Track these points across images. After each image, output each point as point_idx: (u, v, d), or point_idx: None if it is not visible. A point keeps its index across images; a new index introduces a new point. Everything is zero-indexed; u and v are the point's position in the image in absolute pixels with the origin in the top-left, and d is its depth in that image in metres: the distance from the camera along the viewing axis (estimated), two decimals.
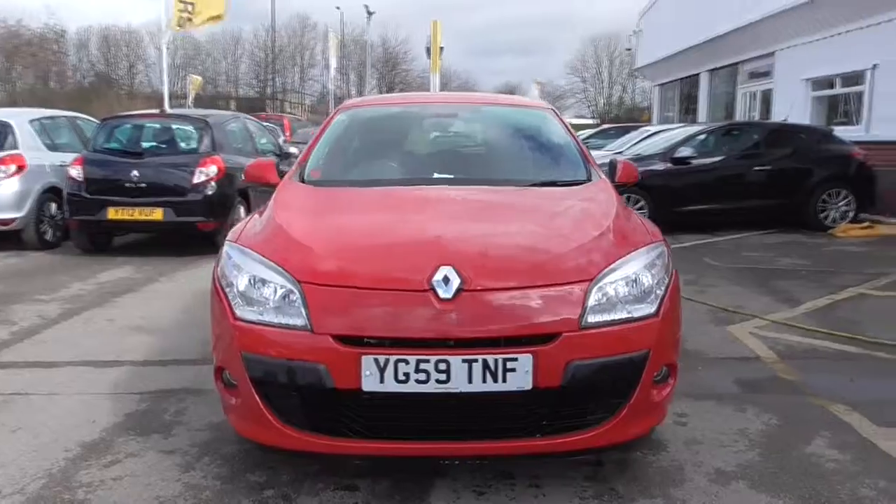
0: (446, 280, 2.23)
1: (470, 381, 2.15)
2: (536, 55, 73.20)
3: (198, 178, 7.14)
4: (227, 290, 2.43)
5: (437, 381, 2.15)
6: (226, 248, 2.62)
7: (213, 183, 7.17)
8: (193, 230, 7.18)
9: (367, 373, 2.16)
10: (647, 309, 2.35)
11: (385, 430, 2.25)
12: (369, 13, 33.14)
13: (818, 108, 12.34)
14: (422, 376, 2.15)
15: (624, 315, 2.30)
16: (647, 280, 2.40)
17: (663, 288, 2.43)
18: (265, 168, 3.52)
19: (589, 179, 3.24)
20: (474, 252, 2.38)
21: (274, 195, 3.09)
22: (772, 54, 13.85)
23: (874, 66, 10.28)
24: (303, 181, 3.26)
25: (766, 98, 14.03)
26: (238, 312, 2.35)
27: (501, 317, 2.22)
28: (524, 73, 69.28)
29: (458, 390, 2.15)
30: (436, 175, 3.35)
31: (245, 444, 2.69)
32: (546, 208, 2.92)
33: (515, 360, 2.16)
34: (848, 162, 9.04)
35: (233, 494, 2.42)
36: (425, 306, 2.21)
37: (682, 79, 20.09)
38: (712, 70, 17.72)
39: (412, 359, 2.15)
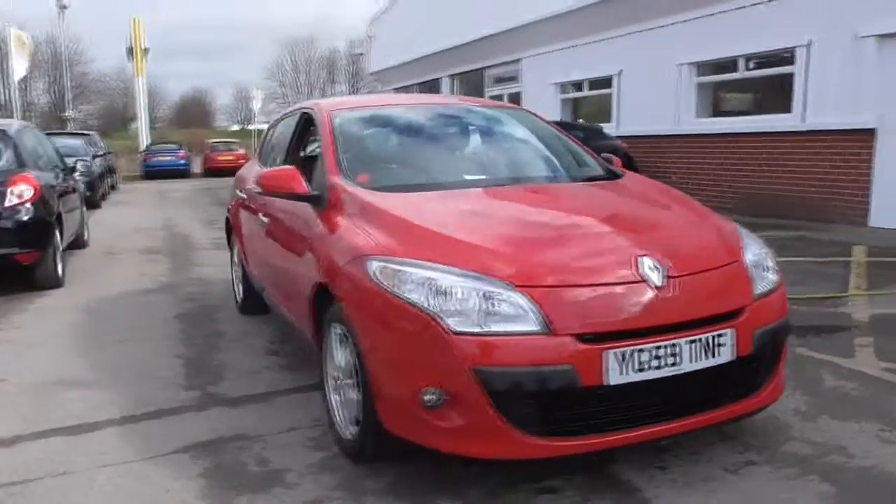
0: (653, 269, 2.36)
1: (692, 361, 2.31)
2: (225, 60, 71.45)
3: (8, 201, 5.86)
4: (424, 306, 2.24)
5: (670, 365, 2.27)
6: (384, 264, 2.39)
7: (28, 206, 5.94)
8: (8, 264, 5.88)
9: (611, 367, 2.20)
10: (774, 279, 2.71)
11: (619, 421, 2.30)
12: (62, 7, 28.96)
13: (566, 109, 14.16)
14: (657, 362, 2.25)
15: (766, 286, 2.63)
16: (763, 254, 2.77)
17: (771, 260, 2.82)
18: (289, 178, 3.17)
19: (610, 173, 3.53)
20: (659, 241, 2.53)
21: (362, 201, 2.85)
22: (518, 61, 15.50)
23: (620, 72, 12.15)
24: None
25: (516, 100, 15.62)
26: (455, 327, 2.19)
27: (706, 297, 2.41)
28: (211, 77, 67.13)
29: (684, 370, 2.30)
30: (482, 176, 3.36)
31: (386, 469, 2.52)
32: (647, 199, 3.16)
33: (723, 335, 2.36)
34: (617, 152, 10.60)
35: None
36: (645, 295, 2.30)
37: (422, 83, 21.32)
38: (454, 75, 19.15)
39: (648, 347, 2.24)
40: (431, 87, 20.62)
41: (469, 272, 2.29)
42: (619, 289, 2.30)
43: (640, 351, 2.23)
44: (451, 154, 3.65)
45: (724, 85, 10.44)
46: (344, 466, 2.64)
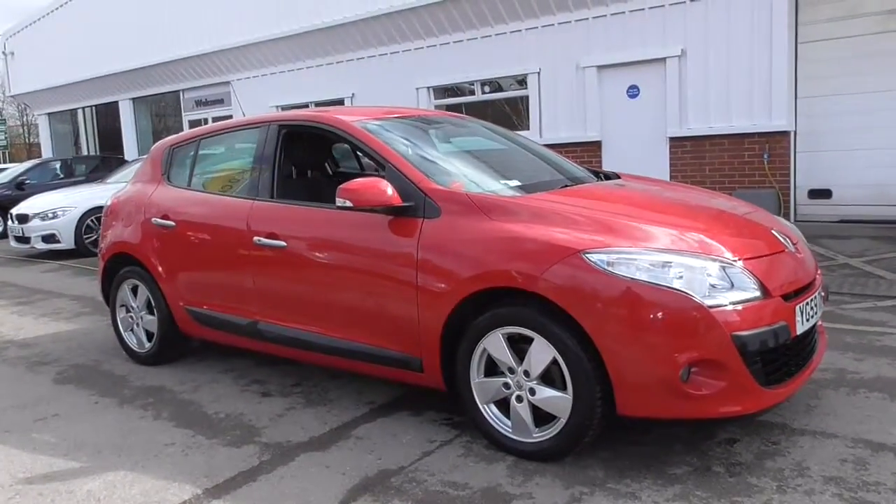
0: (785, 239, 2.94)
1: (816, 314, 2.94)
2: None
3: None
4: (677, 288, 2.45)
5: (812, 317, 2.86)
6: (613, 255, 2.53)
7: None
8: None
9: (798, 320, 2.69)
10: None
11: (798, 366, 2.78)
12: None
13: None
14: (811, 313, 2.83)
15: None
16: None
17: None
18: (383, 189, 2.99)
19: (599, 175, 4.02)
20: (767, 221, 3.09)
21: (508, 203, 2.88)
22: (227, 83, 14.86)
23: (353, 95, 12.59)
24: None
25: None
26: (709, 301, 2.45)
27: (810, 263, 3.04)
28: None
29: (813, 322, 2.90)
30: (542, 179, 3.55)
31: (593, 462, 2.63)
32: (680, 190, 3.71)
33: (817, 296, 3.02)
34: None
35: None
36: (793, 260, 2.87)
37: (93, 106, 18.90)
38: (138, 98, 17.44)
39: (808, 301, 2.81)
40: (108, 110, 18.44)
41: (697, 252, 2.58)
42: (782, 256, 2.82)
43: (807, 304, 2.78)
44: (495, 160, 3.75)
45: (467, 106, 11.58)
46: None
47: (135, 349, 4.45)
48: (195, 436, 3.22)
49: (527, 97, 10.49)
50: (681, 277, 2.48)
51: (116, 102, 17.99)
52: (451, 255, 2.86)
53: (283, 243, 3.44)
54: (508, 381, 2.78)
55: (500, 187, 3.19)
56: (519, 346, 2.76)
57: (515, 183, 3.33)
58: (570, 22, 9.83)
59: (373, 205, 3.00)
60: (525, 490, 2.54)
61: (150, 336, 4.35)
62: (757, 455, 2.71)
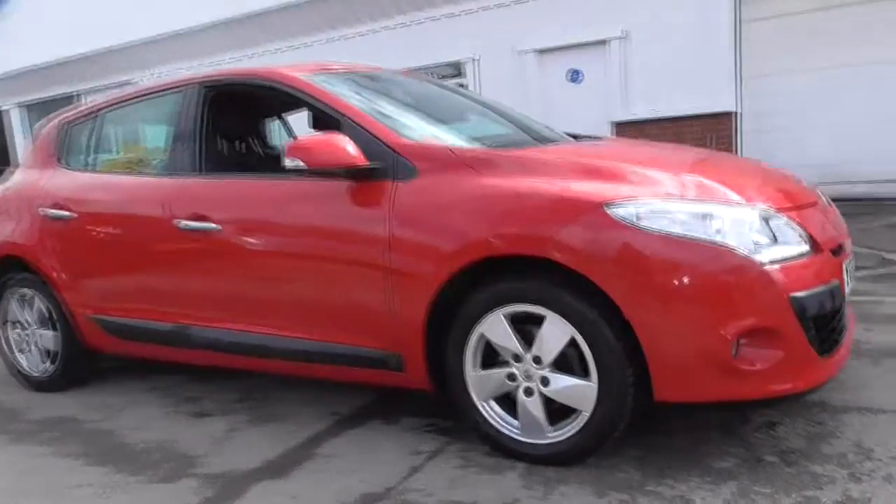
0: (816, 191, 2.55)
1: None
2: None
3: None
4: (725, 243, 1.99)
5: (853, 278, 2.48)
6: (643, 207, 2.05)
7: None
8: None
9: (846, 279, 2.30)
10: None
11: (839, 334, 2.37)
12: None
13: None
14: (852, 273, 2.45)
15: None
16: None
17: None
18: (343, 146, 2.42)
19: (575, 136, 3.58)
20: (786, 172, 2.70)
21: (502, 157, 2.36)
22: (130, 82, 13.79)
23: None
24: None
25: None
26: (761, 258, 2.00)
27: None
28: None
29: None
30: (522, 137, 3.07)
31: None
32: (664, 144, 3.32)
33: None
34: None
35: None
36: (828, 213, 2.48)
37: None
38: (28, 103, 16.04)
39: (850, 258, 2.43)
40: None
41: (741, 202, 2.14)
42: (818, 208, 2.42)
43: (849, 262, 2.39)
44: (458, 116, 3.23)
45: None
46: None
47: (31, 373, 3.65)
48: (115, 473, 2.54)
49: (465, 86, 10.05)
50: (724, 231, 2.03)
51: (5, 111, 16.50)
52: (433, 224, 2.33)
53: (215, 226, 2.81)
54: (514, 371, 2.27)
55: (477, 145, 2.67)
56: (525, 329, 2.26)
57: (493, 139, 2.83)
58: (507, 4, 9.43)
59: (331, 165, 2.42)
60: (551, 502, 2.04)
61: (49, 356, 3.58)
62: (808, 439, 2.29)
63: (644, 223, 2.03)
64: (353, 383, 2.81)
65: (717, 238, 2.01)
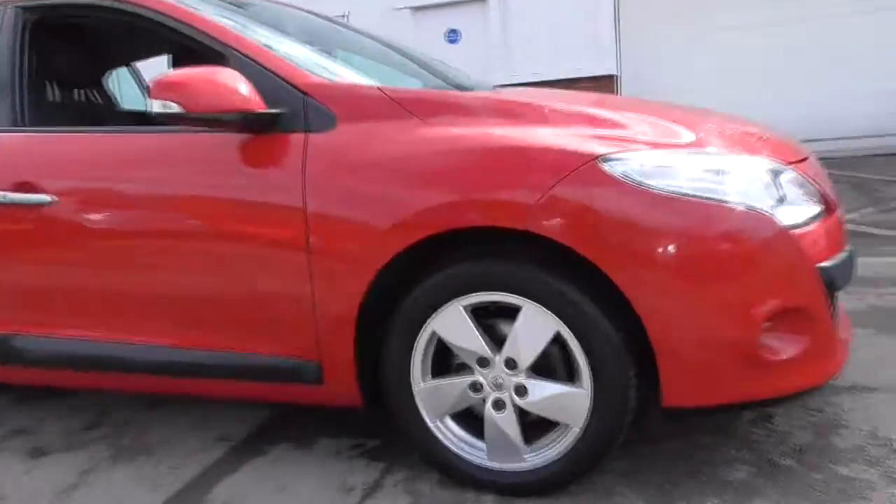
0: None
1: None
2: None
3: None
4: (743, 202, 1.57)
5: None
6: (641, 160, 1.58)
7: None
8: None
9: None
10: None
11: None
12: None
13: None
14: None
15: None
16: None
17: None
18: (217, 79, 1.77)
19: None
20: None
21: (419, 100, 1.81)
22: None
23: None
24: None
25: None
26: (783, 221, 1.60)
27: None
28: None
29: None
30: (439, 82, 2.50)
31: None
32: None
33: None
34: None
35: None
36: (821, 172, 2.14)
37: None
38: None
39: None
40: None
41: (752, 155, 1.72)
42: (813, 163, 2.06)
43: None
44: (369, 55, 2.61)
45: None
46: None
47: None
48: None
49: None
50: (745, 190, 1.61)
51: None
52: (365, 191, 1.74)
53: (48, 198, 2.04)
54: (478, 379, 1.75)
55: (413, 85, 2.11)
56: (489, 325, 1.75)
57: (420, 81, 2.28)
58: None
59: (217, 110, 1.75)
60: None
61: None
62: (814, 432, 1.96)
63: (650, 181, 1.57)
64: (245, 402, 2.18)
65: (737, 198, 1.58)
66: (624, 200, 1.56)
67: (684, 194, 1.56)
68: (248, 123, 1.82)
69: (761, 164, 1.68)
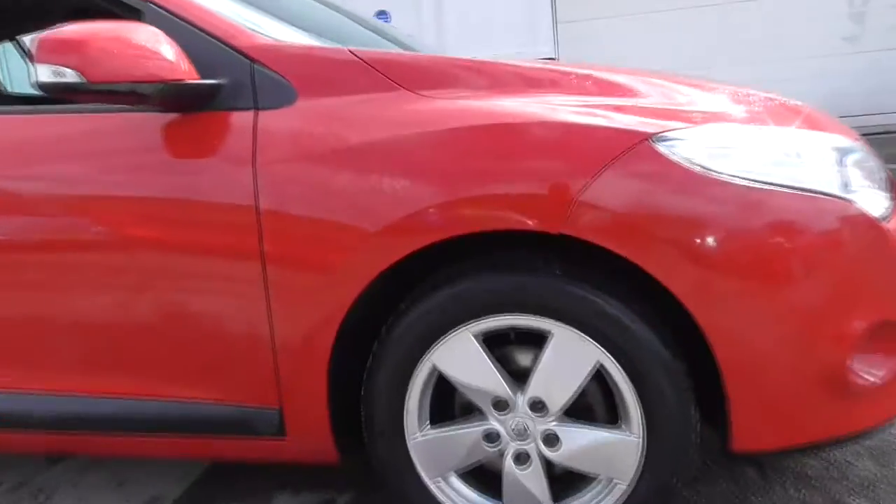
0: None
1: None
2: None
3: None
4: (824, 194, 1.23)
5: None
6: (697, 140, 1.22)
7: None
8: None
9: None
10: None
11: None
12: None
13: None
14: None
15: None
16: None
17: None
18: (130, 39, 1.29)
19: None
20: None
21: (408, 67, 1.39)
22: None
23: None
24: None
25: None
26: (872, 212, 1.28)
27: None
28: None
29: None
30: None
31: None
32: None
33: None
34: None
35: None
36: None
37: None
38: None
39: None
40: None
41: (811, 129, 1.39)
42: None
43: None
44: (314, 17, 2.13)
45: None
46: None
47: None
48: None
49: None
50: (828, 176, 1.28)
51: None
52: (340, 184, 1.31)
53: None
54: (495, 426, 1.36)
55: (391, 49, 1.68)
56: (504, 356, 1.37)
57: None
58: None
59: (129, 79, 1.28)
60: None
61: None
62: (878, 461, 1.66)
63: (717, 165, 1.21)
64: (183, 459, 1.72)
65: (823, 187, 1.26)
66: (685, 191, 1.20)
67: (762, 182, 1.21)
68: (176, 98, 1.35)
69: (828, 144, 1.36)
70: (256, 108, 1.36)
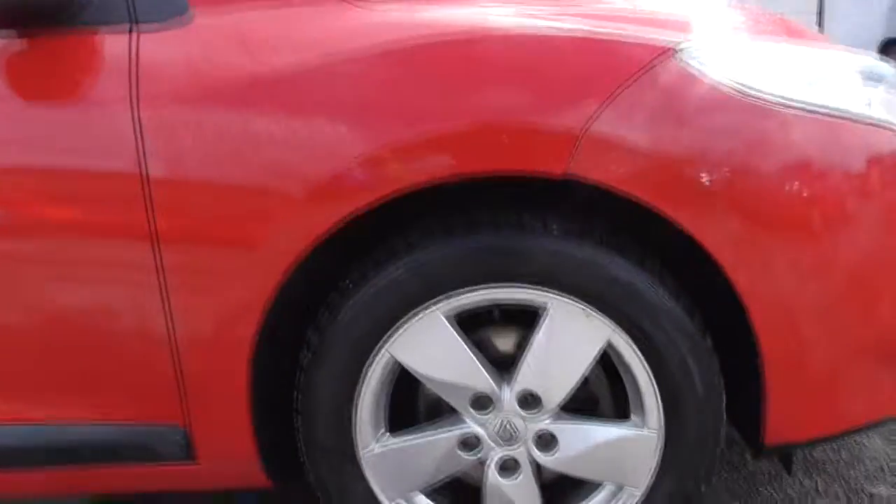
0: None
1: None
2: None
3: None
4: (868, 120, 1.00)
5: None
6: (747, 50, 0.98)
7: None
8: None
9: None
10: None
11: None
12: None
13: None
14: None
15: None
16: None
17: None
18: None
19: None
20: None
21: None
22: None
23: None
24: None
25: None
26: None
27: None
28: None
29: None
30: None
31: None
32: None
33: None
34: None
35: None
36: None
37: None
38: None
39: None
40: None
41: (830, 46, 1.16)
42: None
43: None
44: None
45: None
46: None
47: None
48: None
49: None
50: (871, 100, 1.05)
51: None
52: (257, 129, 0.96)
53: None
54: (473, 429, 1.06)
55: None
56: (482, 340, 1.08)
57: None
58: None
59: None
60: None
61: None
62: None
63: (756, 87, 0.96)
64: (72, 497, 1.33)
65: (862, 109, 1.02)
66: (730, 118, 0.93)
67: (810, 107, 0.96)
68: (8, 9, 0.97)
69: (853, 64, 1.13)
70: (134, 26, 1.00)
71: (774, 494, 1.32)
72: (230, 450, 1.09)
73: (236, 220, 0.98)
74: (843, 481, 1.34)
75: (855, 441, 1.46)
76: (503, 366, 1.05)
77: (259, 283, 0.98)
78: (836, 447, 1.44)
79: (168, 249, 0.99)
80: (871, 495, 1.29)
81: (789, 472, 1.24)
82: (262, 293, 0.99)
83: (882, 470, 1.37)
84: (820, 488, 1.32)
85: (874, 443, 1.45)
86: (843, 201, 0.96)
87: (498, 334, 1.10)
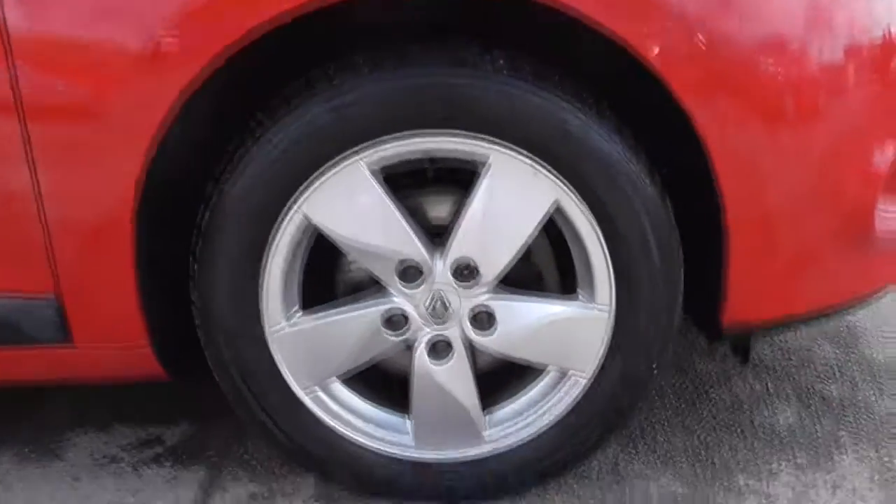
0: None
1: None
2: None
3: None
4: None
5: None
6: None
7: None
8: None
9: None
10: None
11: None
12: None
13: None
14: None
15: None
16: None
17: None
18: None
19: None
20: None
21: None
22: None
23: None
24: None
25: None
26: None
27: None
28: None
29: None
30: None
31: None
32: None
33: None
34: None
35: None
36: None
37: None
38: None
39: None
40: None
41: None
42: None
43: None
44: None
45: None
46: None
47: None
48: None
49: None
50: None
51: None
52: None
53: None
54: (400, 304, 0.91)
55: None
56: (412, 207, 0.93)
57: None
58: None
59: None
60: None
61: None
62: (842, 347, 1.41)
63: None
64: None
65: None
66: None
67: None
68: None
69: None
70: None
71: (723, 396, 1.24)
72: (113, 329, 0.93)
73: (107, 52, 0.80)
74: (793, 382, 1.27)
75: (805, 347, 1.39)
76: (437, 238, 0.91)
77: (138, 128, 0.81)
78: (785, 351, 1.37)
79: (28, 99, 0.81)
80: (823, 396, 1.23)
81: (746, 360, 1.16)
82: (139, 141, 0.81)
83: (832, 371, 1.30)
84: (770, 389, 1.25)
85: (824, 348, 1.38)
86: (831, 69, 0.85)
87: (431, 201, 0.95)
